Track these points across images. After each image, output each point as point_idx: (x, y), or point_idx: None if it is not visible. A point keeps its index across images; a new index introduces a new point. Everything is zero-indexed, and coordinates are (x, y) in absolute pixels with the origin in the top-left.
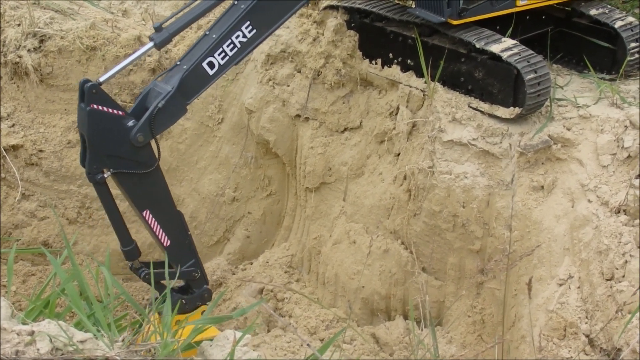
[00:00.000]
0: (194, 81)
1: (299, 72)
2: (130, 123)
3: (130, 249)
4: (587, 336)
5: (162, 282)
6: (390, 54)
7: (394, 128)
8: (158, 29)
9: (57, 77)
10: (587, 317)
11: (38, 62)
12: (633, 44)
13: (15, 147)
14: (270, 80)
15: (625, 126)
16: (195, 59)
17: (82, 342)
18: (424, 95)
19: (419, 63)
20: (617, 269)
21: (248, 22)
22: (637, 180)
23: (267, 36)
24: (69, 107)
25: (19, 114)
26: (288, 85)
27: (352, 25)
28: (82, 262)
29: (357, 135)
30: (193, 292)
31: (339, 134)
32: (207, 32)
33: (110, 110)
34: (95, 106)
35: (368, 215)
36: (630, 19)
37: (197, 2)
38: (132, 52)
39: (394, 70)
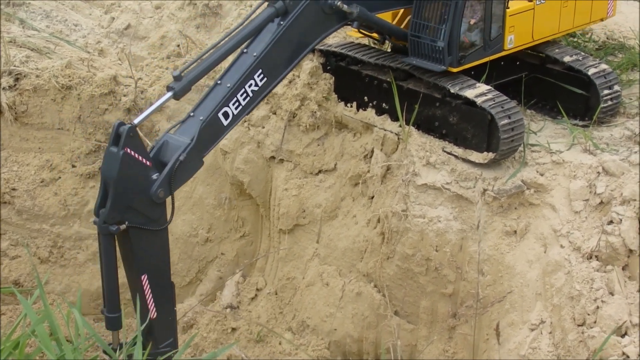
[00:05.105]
0: (210, 132)
1: (274, 113)
2: (154, 176)
3: (116, 317)
4: None
5: None
6: (366, 97)
7: (369, 171)
8: (177, 77)
9: (32, 115)
10: None
11: (13, 101)
12: (606, 91)
13: None
14: (245, 121)
15: (598, 172)
16: (212, 110)
17: None
18: (398, 138)
19: (394, 107)
20: (588, 314)
21: (260, 71)
22: (609, 226)
23: (275, 85)
24: (43, 146)
25: None
26: (263, 127)
27: (328, 68)
28: (53, 301)
29: (332, 177)
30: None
31: (314, 176)
32: (219, 82)
33: (141, 158)
34: (129, 150)
35: (341, 258)
36: (604, 66)
37: (211, 51)
38: (108, 91)
39: (369, 114)
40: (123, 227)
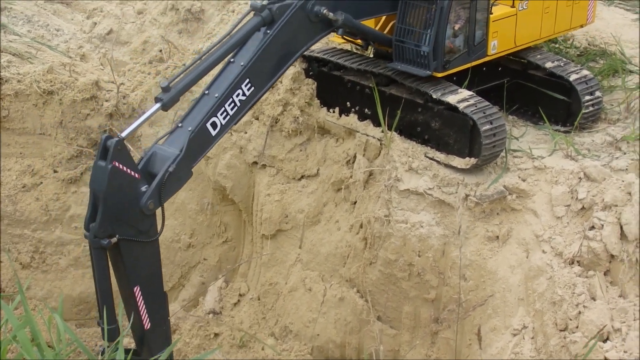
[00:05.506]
0: (198, 143)
1: (257, 119)
2: (143, 188)
3: (113, 329)
4: None
5: None
6: (348, 103)
7: (351, 176)
8: (165, 88)
9: (13, 120)
10: None
11: None
12: (587, 97)
13: None
14: None
15: (580, 178)
16: (200, 120)
17: None
18: (380, 144)
19: (376, 112)
20: (570, 319)
21: (247, 80)
22: (591, 231)
23: (262, 94)
24: (24, 151)
25: None
26: (246, 132)
27: (310, 73)
28: (35, 307)
29: (314, 183)
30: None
31: (296, 182)
32: (207, 92)
33: (129, 171)
34: (117, 164)
35: (324, 263)
36: (585, 72)
37: (198, 61)
38: (90, 96)
39: (351, 119)
40: (114, 240)
